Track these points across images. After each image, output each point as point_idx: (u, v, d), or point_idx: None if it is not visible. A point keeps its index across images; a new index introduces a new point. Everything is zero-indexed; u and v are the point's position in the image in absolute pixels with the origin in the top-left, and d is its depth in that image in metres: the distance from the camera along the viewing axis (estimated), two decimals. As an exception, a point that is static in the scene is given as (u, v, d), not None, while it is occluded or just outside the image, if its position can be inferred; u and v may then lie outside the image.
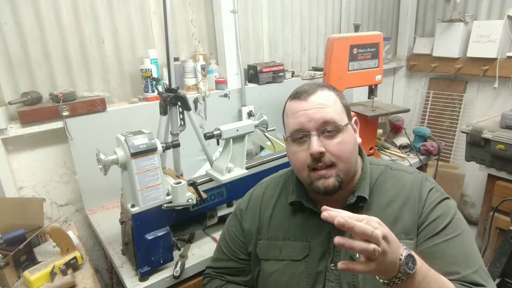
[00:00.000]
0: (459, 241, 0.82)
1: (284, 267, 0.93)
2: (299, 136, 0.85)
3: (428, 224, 0.84)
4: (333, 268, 0.87)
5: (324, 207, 0.66)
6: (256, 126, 1.48)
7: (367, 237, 0.61)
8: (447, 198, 0.88)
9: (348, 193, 0.90)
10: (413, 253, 0.68)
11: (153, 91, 1.81)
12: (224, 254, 1.06)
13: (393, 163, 0.99)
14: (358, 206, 0.89)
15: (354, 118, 0.92)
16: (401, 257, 0.65)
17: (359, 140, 0.91)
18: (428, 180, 0.91)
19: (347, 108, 0.90)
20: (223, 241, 1.08)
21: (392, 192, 0.89)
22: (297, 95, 0.88)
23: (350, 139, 0.86)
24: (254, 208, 1.03)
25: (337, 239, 0.62)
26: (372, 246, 0.60)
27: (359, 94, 2.54)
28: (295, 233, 0.94)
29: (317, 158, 0.83)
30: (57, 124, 1.59)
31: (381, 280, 0.67)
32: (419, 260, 0.69)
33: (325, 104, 0.85)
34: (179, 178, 1.36)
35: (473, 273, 0.78)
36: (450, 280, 0.76)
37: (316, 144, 0.82)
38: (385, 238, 0.63)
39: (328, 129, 0.83)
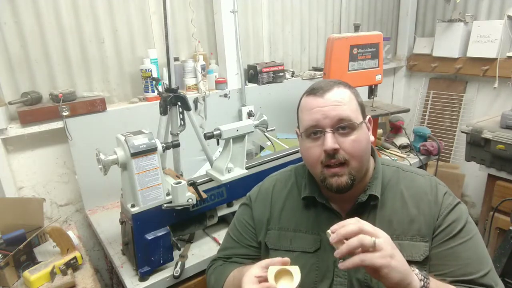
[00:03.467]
0: (472, 244, 0.84)
1: (294, 258, 0.91)
2: (314, 132, 0.86)
3: (445, 228, 0.85)
4: None
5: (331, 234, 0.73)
6: (256, 126, 1.48)
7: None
8: (459, 202, 0.90)
9: (360, 191, 0.90)
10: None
11: (153, 91, 1.81)
12: (234, 241, 1.05)
13: (404, 165, 1.00)
14: (369, 204, 0.90)
15: (368, 117, 0.92)
16: (414, 270, 0.73)
17: (372, 138, 0.92)
18: (440, 184, 0.92)
19: (362, 106, 0.91)
20: (233, 230, 1.07)
21: (406, 194, 0.90)
22: (313, 91, 0.88)
23: (364, 137, 0.87)
24: (265, 198, 1.03)
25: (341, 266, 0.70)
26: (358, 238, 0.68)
27: (359, 94, 2.53)
28: (307, 226, 0.94)
29: (331, 154, 0.83)
30: (57, 124, 1.59)
31: None
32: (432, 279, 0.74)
33: (341, 102, 0.85)
34: (179, 178, 1.36)
35: (484, 276, 0.81)
36: (462, 281, 0.80)
37: (330, 141, 0.82)
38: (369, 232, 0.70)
39: (343, 126, 0.84)
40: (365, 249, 0.67)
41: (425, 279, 0.72)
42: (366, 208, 0.90)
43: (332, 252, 0.89)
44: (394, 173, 0.95)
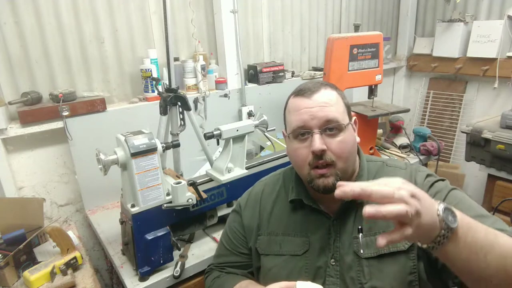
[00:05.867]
0: (464, 205, 0.82)
1: (284, 262, 0.93)
2: (301, 133, 0.86)
3: None
4: (334, 263, 0.88)
5: (338, 186, 0.62)
6: (256, 126, 1.48)
7: (392, 200, 0.56)
8: (440, 179, 0.89)
9: None
10: (449, 206, 0.63)
11: (153, 91, 1.81)
12: (226, 249, 1.07)
13: (389, 159, 1.00)
14: (356, 202, 0.90)
15: (353, 118, 0.94)
16: (438, 212, 0.60)
17: (357, 139, 0.93)
18: (421, 171, 0.93)
19: (348, 108, 0.92)
20: (225, 237, 1.09)
21: None
22: (300, 92, 0.89)
23: (350, 138, 0.88)
24: (254, 204, 1.04)
25: (367, 210, 0.56)
26: (403, 207, 0.55)
27: (359, 94, 2.54)
28: (295, 229, 0.95)
29: (318, 155, 0.83)
30: (57, 124, 1.59)
31: (424, 246, 0.63)
32: (458, 212, 0.63)
33: (328, 103, 0.86)
34: (179, 178, 1.36)
35: (492, 224, 0.75)
36: None
37: (318, 142, 0.83)
38: (414, 196, 0.58)
39: (330, 127, 0.84)
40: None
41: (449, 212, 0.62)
42: (353, 207, 0.90)
43: (323, 253, 0.90)
44: (380, 168, 0.95)
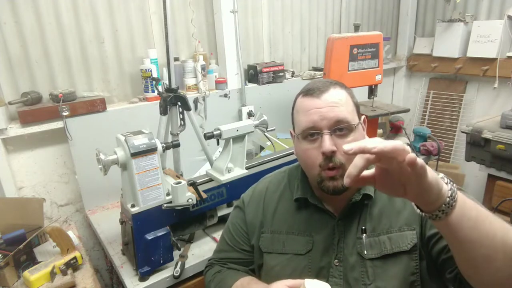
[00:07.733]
0: None
1: (287, 260, 0.93)
2: (311, 134, 0.85)
3: None
4: (337, 264, 0.88)
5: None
6: (256, 126, 1.48)
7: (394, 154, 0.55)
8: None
9: (353, 191, 0.90)
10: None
11: (153, 91, 1.81)
12: (227, 245, 1.06)
13: None
14: (363, 203, 0.90)
15: (362, 117, 0.92)
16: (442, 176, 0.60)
17: (366, 138, 0.92)
18: None
19: (357, 107, 0.90)
20: (227, 233, 1.08)
21: None
22: (309, 92, 0.87)
23: (360, 138, 0.86)
24: (258, 201, 1.03)
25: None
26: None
27: (359, 94, 2.50)
28: (299, 228, 0.94)
29: (329, 157, 0.82)
30: (57, 124, 1.59)
31: (427, 215, 0.61)
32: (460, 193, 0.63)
33: (338, 103, 0.84)
34: (179, 178, 1.36)
35: None
36: None
37: (328, 143, 0.81)
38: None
39: (341, 128, 0.83)
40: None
41: (451, 183, 0.63)
42: (359, 207, 0.90)
43: (326, 253, 0.89)
44: None
